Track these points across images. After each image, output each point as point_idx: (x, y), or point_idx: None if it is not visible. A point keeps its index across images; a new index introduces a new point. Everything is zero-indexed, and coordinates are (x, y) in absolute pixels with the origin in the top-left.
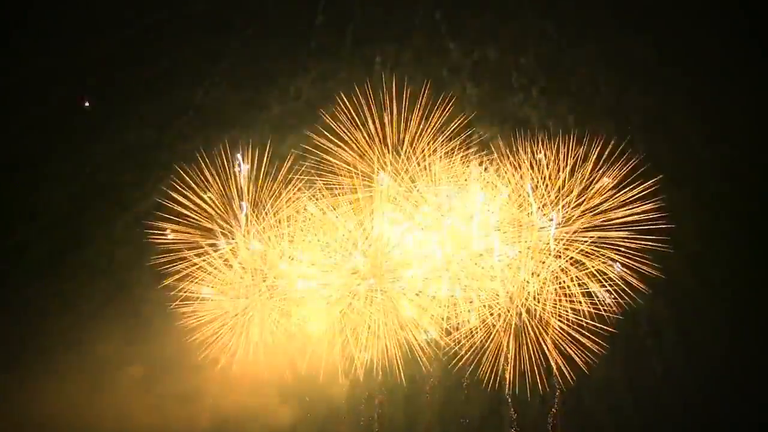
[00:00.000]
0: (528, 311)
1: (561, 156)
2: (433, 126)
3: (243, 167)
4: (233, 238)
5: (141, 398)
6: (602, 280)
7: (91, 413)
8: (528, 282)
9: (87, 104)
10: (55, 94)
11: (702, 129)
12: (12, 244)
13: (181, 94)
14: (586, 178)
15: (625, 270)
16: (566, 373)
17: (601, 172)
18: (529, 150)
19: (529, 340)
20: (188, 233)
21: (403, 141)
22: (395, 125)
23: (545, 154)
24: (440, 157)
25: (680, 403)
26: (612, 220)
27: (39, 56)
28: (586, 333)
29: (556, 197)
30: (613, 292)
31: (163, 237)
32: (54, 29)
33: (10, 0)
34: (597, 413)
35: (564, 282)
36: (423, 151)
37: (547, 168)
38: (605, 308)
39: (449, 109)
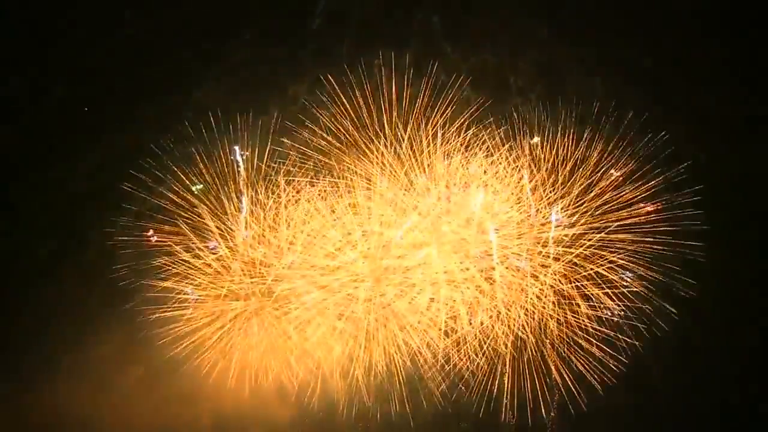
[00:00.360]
0: (527, 314)
1: (560, 157)
2: (433, 127)
3: (240, 156)
4: (232, 239)
5: (141, 399)
6: (603, 285)
7: (91, 414)
8: (528, 285)
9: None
10: (54, 95)
11: (704, 130)
12: (11, 245)
13: (180, 97)
14: (587, 177)
15: (635, 278)
16: (566, 379)
17: (600, 174)
18: (528, 151)
19: (528, 344)
20: (185, 235)
21: (402, 142)
22: (394, 126)
23: (545, 157)
24: (440, 157)
25: (683, 412)
26: (616, 221)
27: (37, 58)
28: (589, 338)
29: (555, 198)
30: (617, 301)
31: (161, 239)
32: (51, 31)
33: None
34: (597, 420)
35: (564, 288)
36: (423, 153)
37: (546, 170)
38: (611, 317)
39: (449, 110)
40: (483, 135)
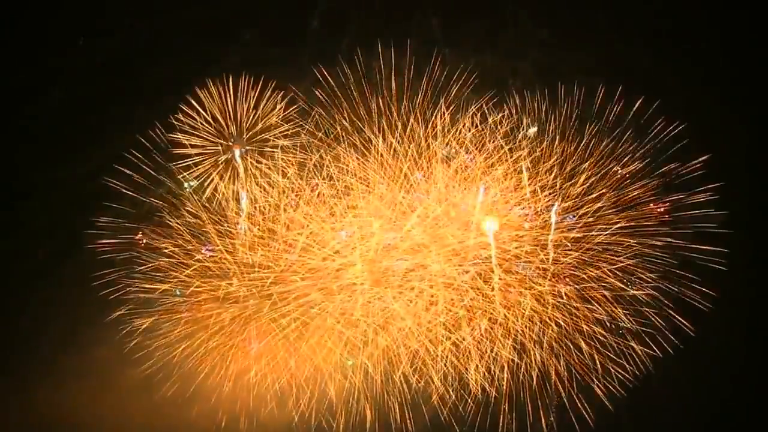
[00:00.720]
0: (523, 317)
1: (561, 158)
2: (433, 129)
3: (239, 158)
4: (231, 241)
5: (138, 402)
6: (605, 290)
7: (88, 415)
8: (526, 289)
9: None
10: (53, 97)
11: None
12: (8, 248)
13: (179, 100)
14: (589, 176)
15: (639, 285)
16: (566, 383)
17: (600, 175)
18: (526, 153)
19: (527, 348)
20: (183, 236)
21: (401, 143)
22: (393, 126)
23: (544, 159)
24: (439, 159)
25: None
26: (616, 223)
27: (34, 60)
28: (589, 341)
29: (554, 198)
30: (615, 306)
31: (157, 242)
32: (47, 34)
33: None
34: (597, 425)
35: (563, 292)
36: (422, 155)
37: (547, 171)
38: (612, 322)
39: (449, 111)
40: (483, 137)
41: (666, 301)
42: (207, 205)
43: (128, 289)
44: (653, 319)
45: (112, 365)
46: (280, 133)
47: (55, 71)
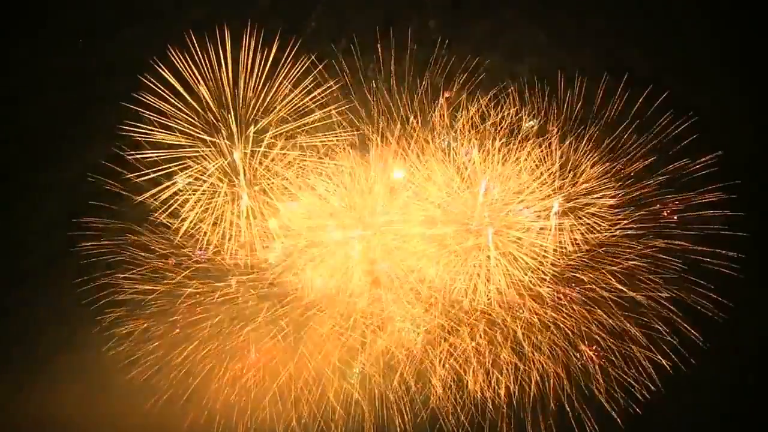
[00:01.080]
0: (520, 320)
1: (560, 160)
2: (432, 130)
3: (239, 158)
4: (230, 243)
5: (134, 405)
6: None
7: (84, 419)
8: (525, 291)
9: None
10: (52, 98)
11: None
12: (6, 249)
13: (177, 97)
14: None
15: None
16: (565, 386)
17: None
18: (527, 154)
19: (527, 350)
20: (182, 237)
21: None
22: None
23: (543, 158)
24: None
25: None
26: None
27: (31, 62)
28: (589, 344)
29: (553, 195)
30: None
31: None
32: (45, 35)
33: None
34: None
35: (564, 295)
36: (422, 158)
37: (547, 173)
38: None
39: (448, 113)
40: (483, 138)
41: (666, 303)
42: (206, 207)
43: (125, 290)
44: (654, 322)
45: (108, 367)
46: (280, 134)
47: (48, 76)
